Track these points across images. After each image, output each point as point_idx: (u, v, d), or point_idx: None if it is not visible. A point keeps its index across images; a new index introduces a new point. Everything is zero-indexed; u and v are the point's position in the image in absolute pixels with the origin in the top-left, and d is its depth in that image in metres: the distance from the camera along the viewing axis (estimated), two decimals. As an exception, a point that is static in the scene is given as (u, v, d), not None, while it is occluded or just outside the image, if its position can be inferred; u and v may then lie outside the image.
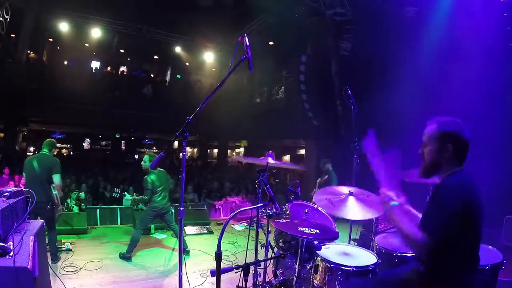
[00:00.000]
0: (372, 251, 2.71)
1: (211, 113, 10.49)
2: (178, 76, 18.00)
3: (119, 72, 16.25)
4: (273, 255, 2.96)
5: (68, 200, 7.50)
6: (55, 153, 4.81)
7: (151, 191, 4.75)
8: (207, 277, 4.16)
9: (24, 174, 4.36)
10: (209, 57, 15.64)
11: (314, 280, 2.47)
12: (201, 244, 5.55)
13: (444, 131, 1.80)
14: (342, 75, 8.62)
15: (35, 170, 4.23)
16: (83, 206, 7.42)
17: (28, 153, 16.90)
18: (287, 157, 17.78)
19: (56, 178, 4.29)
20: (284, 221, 2.75)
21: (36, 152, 15.65)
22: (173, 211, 5.21)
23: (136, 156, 21.38)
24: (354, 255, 2.60)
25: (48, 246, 4.02)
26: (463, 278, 1.70)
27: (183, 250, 3.28)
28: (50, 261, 4.05)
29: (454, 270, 1.68)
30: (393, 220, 1.78)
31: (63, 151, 18.97)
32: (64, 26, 12.62)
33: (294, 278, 2.56)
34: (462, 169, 1.80)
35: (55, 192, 4.36)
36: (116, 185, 9.72)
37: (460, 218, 1.61)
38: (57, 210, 4.43)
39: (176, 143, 16.51)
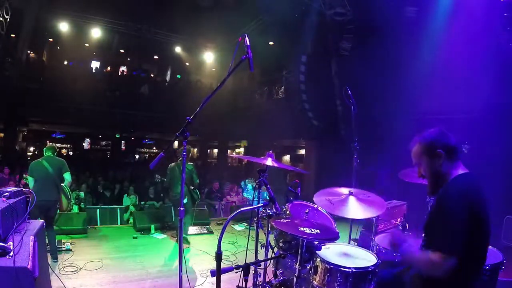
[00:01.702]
0: (372, 251, 2.71)
1: (211, 113, 10.48)
2: (178, 76, 17.98)
3: (119, 72, 16.23)
4: (273, 255, 2.95)
5: (69, 199, 7.53)
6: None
7: (170, 177, 5.50)
8: (207, 277, 4.16)
9: (30, 177, 4.36)
10: (209, 57, 15.63)
11: (314, 281, 2.46)
12: (201, 244, 5.55)
13: (428, 142, 1.83)
14: (342, 75, 8.62)
15: (48, 170, 4.37)
16: (82, 205, 7.42)
17: (28, 153, 16.90)
18: (287, 157, 17.75)
19: (68, 176, 4.57)
20: (285, 221, 2.75)
21: (36, 153, 15.71)
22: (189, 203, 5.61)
23: (137, 156, 21.37)
24: (354, 256, 2.60)
25: (48, 246, 4.03)
26: (469, 280, 1.69)
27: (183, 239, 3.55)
28: (50, 261, 4.05)
29: (461, 273, 1.62)
30: (408, 259, 1.90)
31: (63, 151, 18.93)
32: (64, 26, 12.59)
33: (294, 278, 2.55)
34: (465, 173, 1.78)
35: (68, 190, 4.64)
36: (120, 182, 9.72)
37: (470, 222, 1.59)
38: (70, 205, 4.74)
39: (176, 143, 16.50)
